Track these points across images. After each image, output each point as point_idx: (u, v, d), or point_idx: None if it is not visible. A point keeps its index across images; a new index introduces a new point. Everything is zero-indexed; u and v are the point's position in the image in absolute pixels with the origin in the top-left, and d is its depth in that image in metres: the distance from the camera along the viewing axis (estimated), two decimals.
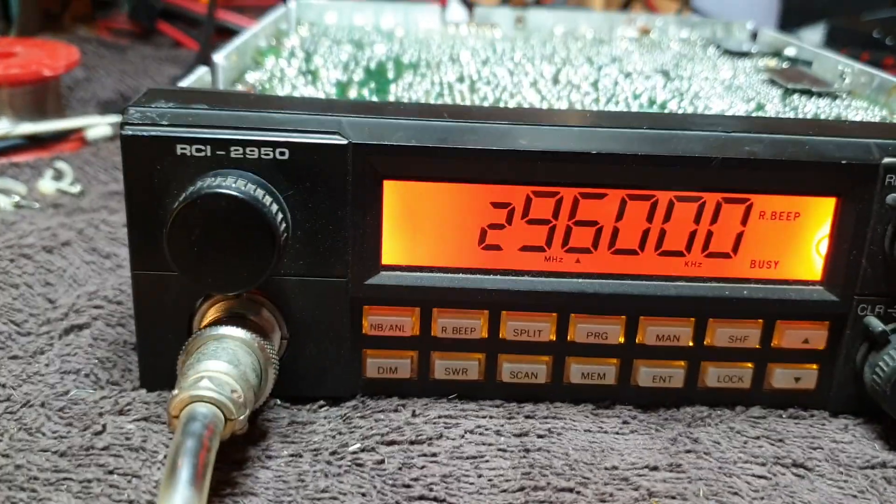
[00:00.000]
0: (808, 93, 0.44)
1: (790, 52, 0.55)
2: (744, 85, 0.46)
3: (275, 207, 0.28)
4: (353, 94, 0.40)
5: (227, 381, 0.26)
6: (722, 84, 0.46)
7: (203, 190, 0.27)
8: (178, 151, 0.29)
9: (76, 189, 0.50)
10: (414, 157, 0.29)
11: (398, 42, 0.53)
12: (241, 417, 0.26)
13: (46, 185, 0.50)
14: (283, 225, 0.28)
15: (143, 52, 0.79)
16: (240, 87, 0.40)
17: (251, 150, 0.29)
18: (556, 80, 0.44)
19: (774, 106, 0.41)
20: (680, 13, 0.91)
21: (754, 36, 0.61)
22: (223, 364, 0.27)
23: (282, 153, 0.29)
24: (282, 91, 0.39)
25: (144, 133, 0.29)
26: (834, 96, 0.44)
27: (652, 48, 0.56)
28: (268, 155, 0.29)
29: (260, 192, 0.28)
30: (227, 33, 0.68)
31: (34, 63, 0.56)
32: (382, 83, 0.42)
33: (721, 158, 0.30)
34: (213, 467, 0.25)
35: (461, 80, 0.43)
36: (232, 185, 0.28)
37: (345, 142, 0.29)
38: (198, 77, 0.37)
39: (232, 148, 0.29)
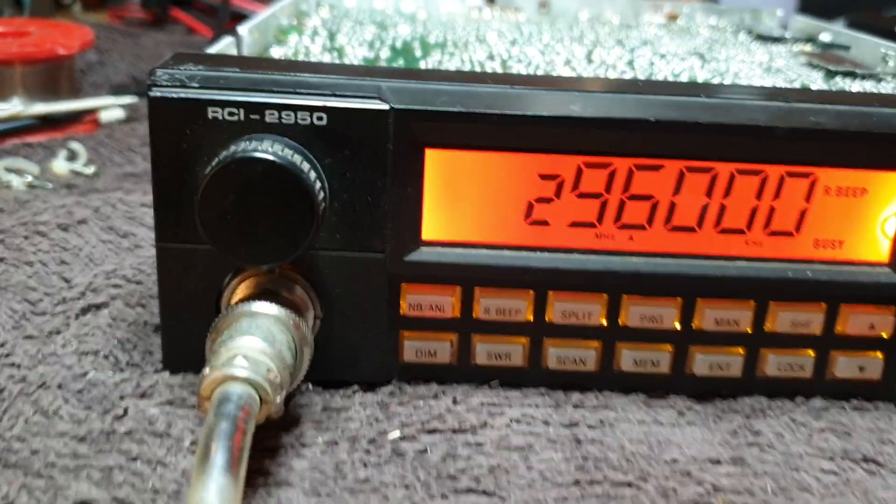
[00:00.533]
0: (852, 75, 0.42)
1: (825, 37, 0.53)
2: (783, 68, 0.44)
3: (313, 175, 0.26)
4: None
5: (262, 360, 0.24)
6: (760, 66, 0.44)
7: (237, 154, 0.25)
8: (210, 115, 0.27)
9: (90, 170, 0.48)
10: (458, 123, 0.27)
11: (421, 24, 0.51)
12: (278, 399, 0.24)
13: (60, 165, 0.48)
14: (322, 194, 0.26)
15: (157, 38, 0.77)
16: (273, 57, 0.38)
17: (287, 115, 0.27)
18: (589, 60, 0.42)
19: (819, 87, 0.40)
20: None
21: (785, 25, 0.60)
22: (258, 341, 0.25)
23: (319, 118, 0.27)
24: None
25: (173, 95, 0.27)
26: (878, 79, 0.42)
27: (682, 33, 0.54)
28: (304, 120, 0.27)
29: (298, 158, 0.26)
30: (242, 19, 0.67)
31: (48, 41, 0.54)
32: (411, 60, 0.40)
33: (785, 129, 0.28)
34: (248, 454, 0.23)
35: (491, 58, 0.41)
36: (269, 149, 0.26)
37: (386, 107, 0.27)
38: (223, 47, 0.35)
39: (267, 112, 0.27)
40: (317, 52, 0.41)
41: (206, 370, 0.24)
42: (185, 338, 0.29)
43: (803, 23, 0.57)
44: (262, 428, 0.26)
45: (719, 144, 0.28)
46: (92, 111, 0.55)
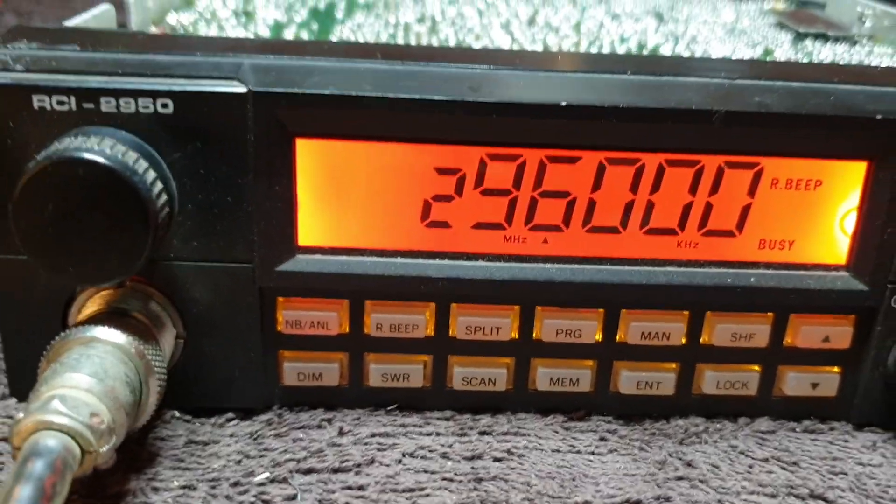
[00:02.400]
0: (823, 37, 0.39)
1: None
2: (748, 29, 0.41)
3: (151, 175, 0.22)
4: (289, 36, 0.34)
5: (85, 402, 0.21)
6: (723, 28, 0.41)
7: (56, 154, 0.21)
8: (36, 104, 0.23)
9: None
10: (334, 108, 0.23)
11: None
12: (105, 448, 0.20)
13: None
14: (164, 197, 0.22)
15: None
16: (153, 30, 0.34)
17: (126, 103, 0.23)
18: (531, 22, 0.38)
19: (784, 52, 0.36)
20: None
21: None
22: (84, 378, 0.21)
23: (164, 105, 0.23)
24: (206, 34, 0.33)
25: None
26: (853, 41, 0.39)
27: None
28: (147, 108, 0.23)
29: (132, 156, 0.22)
30: None
31: None
32: (326, 24, 0.36)
33: (724, 112, 0.24)
34: (77, 499, 0.20)
35: (421, 20, 0.37)
36: (94, 147, 0.21)
37: (244, 89, 0.23)
38: (95, 16, 0.31)
39: (102, 99, 0.23)
40: (224, 17, 0.36)
41: (20, 414, 0.20)
42: (32, 360, 0.25)
43: None
44: (113, 469, 0.22)
45: (646, 132, 0.24)
46: None
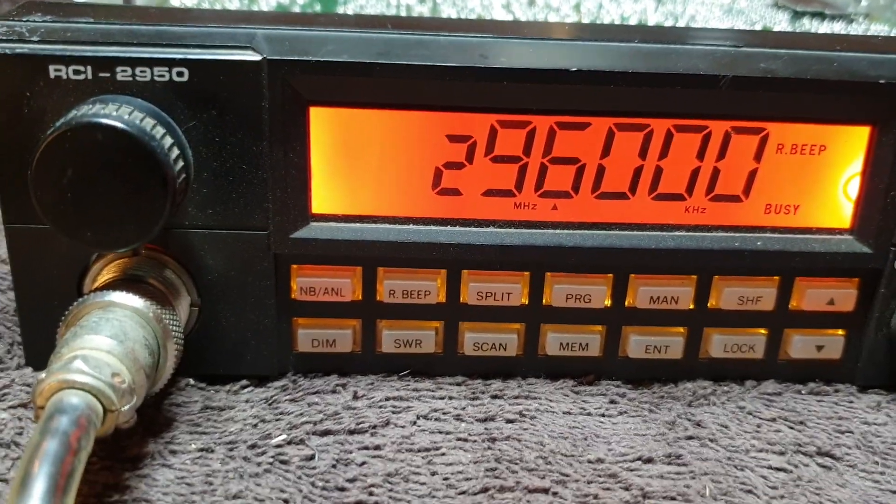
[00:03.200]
0: (821, 15, 0.39)
1: None
2: (746, 8, 0.41)
3: (168, 141, 0.22)
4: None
5: (106, 362, 0.21)
6: (721, 8, 0.41)
7: (75, 120, 0.21)
8: (52, 73, 0.23)
9: None
10: (347, 76, 0.23)
11: None
12: (126, 407, 0.21)
13: None
14: (181, 163, 0.23)
15: None
16: (141, 5, 0.34)
17: (142, 72, 0.23)
18: (531, 2, 0.39)
19: (782, 29, 0.36)
20: None
21: None
22: (105, 339, 0.21)
23: (180, 73, 0.23)
24: None
25: (9, 51, 0.23)
26: (850, 19, 0.39)
27: None
28: (162, 77, 0.23)
29: (149, 123, 0.22)
30: None
31: None
32: (329, 5, 0.36)
33: (730, 77, 0.24)
34: (97, 462, 0.20)
35: (423, 1, 0.37)
36: (112, 113, 0.22)
37: (258, 57, 0.23)
38: None
39: (118, 69, 0.23)
40: None
41: (42, 374, 0.21)
42: (47, 329, 0.25)
43: None
44: (129, 433, 0.23)
45: (654, 98, 0.24)
46: None
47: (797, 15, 0.40)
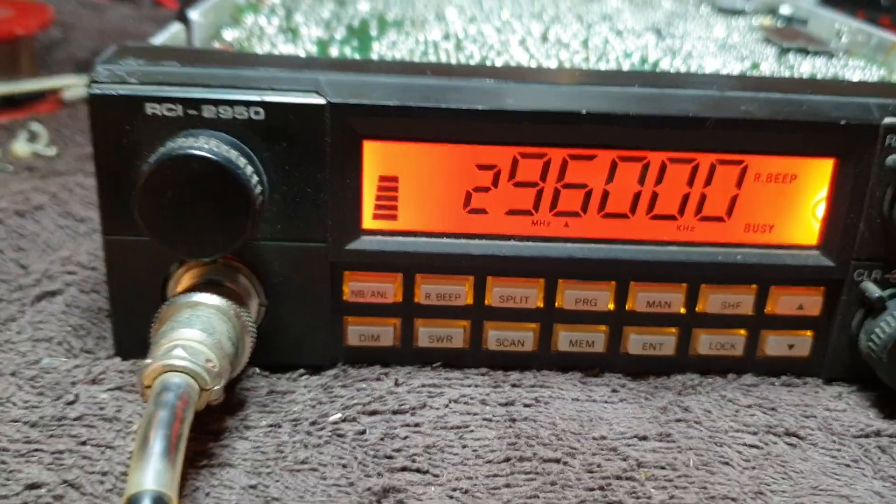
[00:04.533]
0: (804, 52, 0.43)
1: (785, 10, 0.54)
2: (738, 44, 0.45)
3: (249, 169, 0.27)
4: (334, 52, 0.38)
5: (201, 350, 0.25)
6: (715, 43, 0.45)
7: (173, 151, 0.26)
8: (148, 111, 0.27)
9: (51, 151, 0.48)
10: (395, 116, 0.28)
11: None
12: (217, 387, 0.25)
13: (21, 147, 0.48)
14: (259, 188, 0.27)
15: (122, 12, 0.76)
16: (216, 45, 0.39)
17: (224, 110, 0.27)
18: (544, 39, 0.43)
19: (769, 65, 0.40)
20: None
21: None
22: (197, 332, 0.26)
23: (256, 112, 0.27)
24: (260, 49, 0.38)
25: (112, 92, 0.27)
26: (830, 55, 0.43)
27: (643, 6, 0.55)
28: (242, 115, 0.28)
29: (234, 153, 0.27)
30: None
31: (5, 22, 0.54)
32: (365, 41, 0.41)
33: (715, 119, 0.28)
34: (187, 438, 0.24)
35: (447, 38, 0.42)
36: (204, 145, 0.26)
37: (322, 101, 0.28)
38: (171, 34, 0.36)
39: (204, 107, 0.27)
40: (271, 33, 0.41)
41: (148, 360, 0.25)
42: (135, 325, 0.30)
43: None
44: (208, 411, 0.27)
45: (651, 134, 0.29)
46: (55, 90, 0.55)
47: (783, 51, 0.44)
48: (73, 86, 0.56)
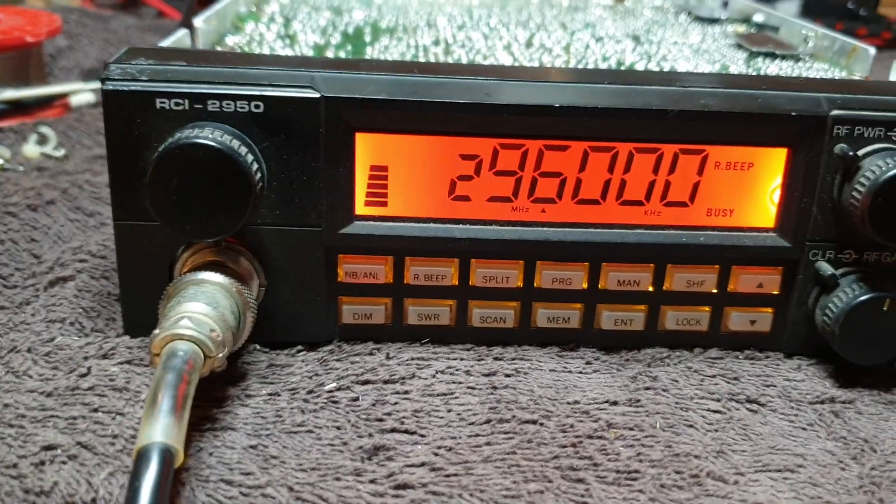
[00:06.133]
0: (772, 55, 0.45)
1: (758, 17, 0.56)
2: (711, 49, 0.47)
3: (250, 157, 0.29)
4: (329, 56, 0.41)
5: (206, 321, 0.28)
6: (690, 48, 0.47)
7: (181, 140, 0.29)
8: (158, 105, 0.30)
9: (60, 153, 0.51)
10: (385, 110, 0.30)
11: (376, 8, 0.54)
12: (220, 355, 0.28)
13: (31, 149, 0.51)
14: (259, 174, 0.30)
15: (127, 22, 0.79)
16: (220, 50, 0.41)
17: (227, 104, 0.30)
18: (529, 44, 0.45)
19: (738, 68, 0.43)
20: None
21: (726, 4, 0.63)
22: (202, 305, 0.28)
23: (257, 106, 0.30)
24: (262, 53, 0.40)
25: (125, 88, 0.30)
26: (797, 59, 0.45)
27: (625, 15, 0.57)
28: (243, 108, 0.30)
29: (236, 143, 0.29)
30: (210, 3, 0.69)
31: (16, 29, 0.57)
32: (359, 46, 0.43)
33: (677, 111, 0.31)
34: (192, 402, 0.26)
35: (436, 43, 0.44)
36: (209, 135, 0.29)
37: (317, 95, 0.30)
38: (177, 39, 0.38)
39: (209, 101, 0.30)
40: (270, 39, 0.43)
41: (157, 330, 0.27)
42: (143, 305, 0.32)
43: (742, 4, 0.60)
44: (211, 381, 0.29)
45: (619, 126, 0.31)
46: (62, 96, 0.58)
47: (753, 55, 0.46)
48: (79, 92, 0.58)
